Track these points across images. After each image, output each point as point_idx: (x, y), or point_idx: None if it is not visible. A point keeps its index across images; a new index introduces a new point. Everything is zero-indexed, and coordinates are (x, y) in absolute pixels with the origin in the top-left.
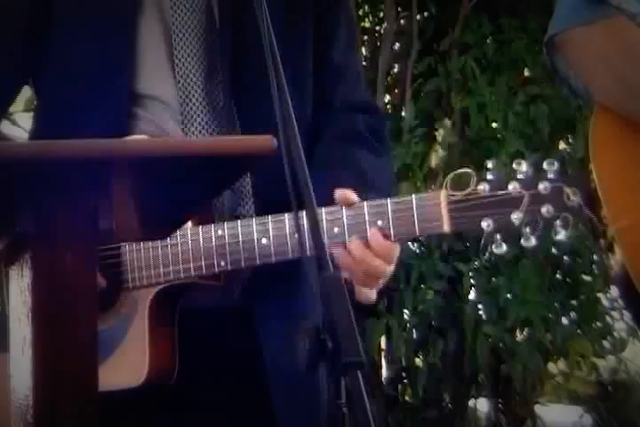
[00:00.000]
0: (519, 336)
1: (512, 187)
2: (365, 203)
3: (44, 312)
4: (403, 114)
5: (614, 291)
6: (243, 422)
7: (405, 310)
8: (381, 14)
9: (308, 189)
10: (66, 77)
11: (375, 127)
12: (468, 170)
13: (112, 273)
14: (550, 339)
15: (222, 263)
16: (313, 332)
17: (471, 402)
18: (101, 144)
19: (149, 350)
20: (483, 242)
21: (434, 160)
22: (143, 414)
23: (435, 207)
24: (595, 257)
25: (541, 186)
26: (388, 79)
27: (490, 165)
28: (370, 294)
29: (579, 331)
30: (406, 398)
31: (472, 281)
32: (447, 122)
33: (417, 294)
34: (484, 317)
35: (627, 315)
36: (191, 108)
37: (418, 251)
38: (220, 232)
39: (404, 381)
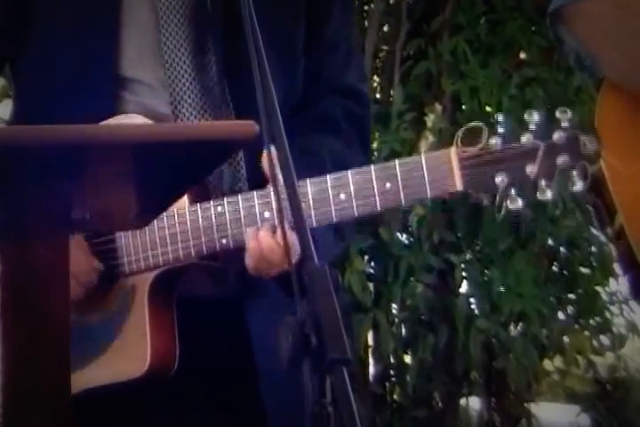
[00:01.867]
0: (513, 331)
1: (525, 139)
2: (372, 166)
3: (15, 306)
4: (391, 98)
5: (613, 284)
6: (233, 421)
7: (394, 305)
8: None
9: (290, 176)
10: (47, 63)
11: (356, 114)
12: (479, 124)
13: (108, 258)
14: (546, 334)
15: (224, 241)
16: (296, 327)
17: (463, 401)
18: (74, 130)
19: (150, 336)
20: (497, 199)
21: (423, 147)
22: (131, 411)
23: (446, 165)
24: (593, 248)
25: (556, 135)
26: (376, 62)
27: (500, 118)
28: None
29: (576, 326)
30: (395, 396)
31: (464, 274)
32: (437, 106)
33: (406, 287)
34: (476, 311)
35: (626, 310)
36: (181, 90)
37: (407, 242)
38: (219, 209)
39: (393, 378)
